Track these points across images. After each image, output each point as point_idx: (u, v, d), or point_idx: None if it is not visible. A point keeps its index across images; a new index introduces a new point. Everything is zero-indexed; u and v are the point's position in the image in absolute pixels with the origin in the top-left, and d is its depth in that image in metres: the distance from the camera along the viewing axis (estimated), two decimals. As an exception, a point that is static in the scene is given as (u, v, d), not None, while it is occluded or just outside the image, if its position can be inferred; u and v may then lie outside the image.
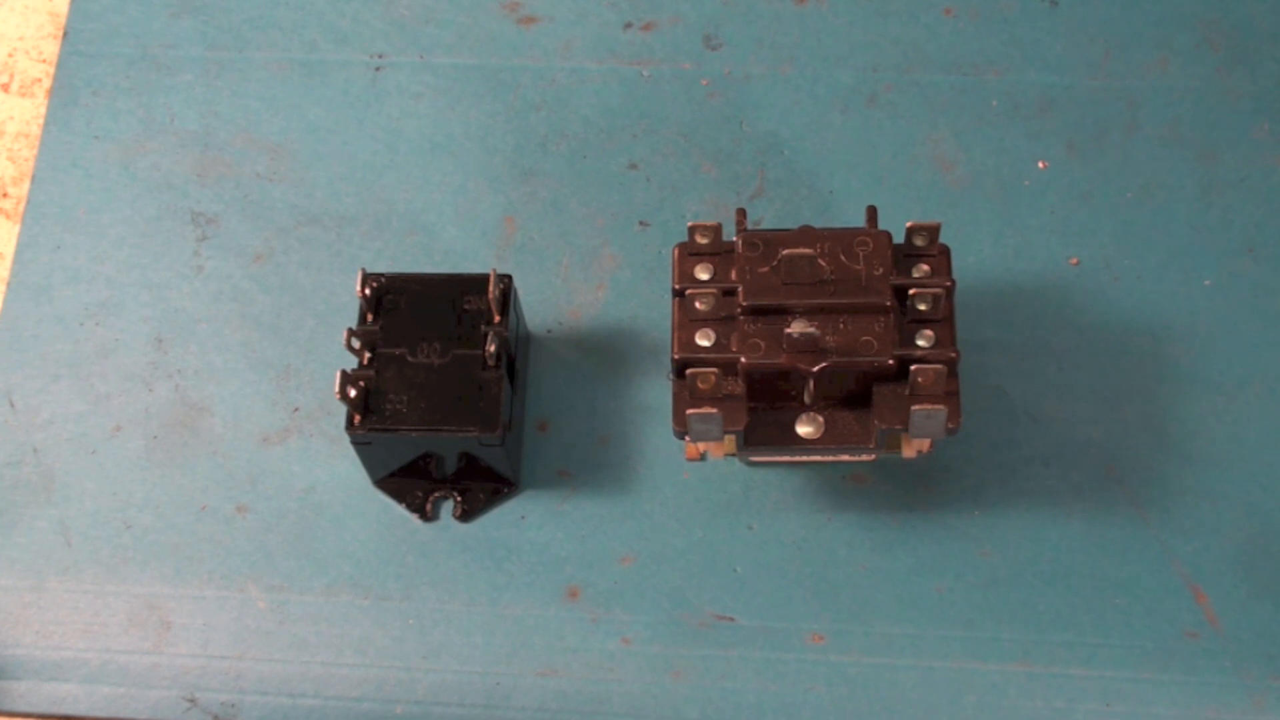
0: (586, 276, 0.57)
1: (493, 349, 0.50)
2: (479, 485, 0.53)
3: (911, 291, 0.49)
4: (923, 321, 0.49)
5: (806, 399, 0.49)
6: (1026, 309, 0.55)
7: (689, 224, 0.50)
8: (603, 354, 0.56)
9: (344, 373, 0.50)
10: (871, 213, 0.50)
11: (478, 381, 0.50)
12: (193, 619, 0.53)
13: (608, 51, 0.61)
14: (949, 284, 0.49)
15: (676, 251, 0.50)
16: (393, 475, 0.54)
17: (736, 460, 0.53)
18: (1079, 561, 0.52)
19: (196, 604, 0.53)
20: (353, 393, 0.50)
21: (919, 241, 0.50)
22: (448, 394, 0.49)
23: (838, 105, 0.59)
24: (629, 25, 0.61)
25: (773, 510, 0.53)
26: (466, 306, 0.52)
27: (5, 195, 0.59)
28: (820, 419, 0.49)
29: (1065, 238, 0.57)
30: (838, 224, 0.51)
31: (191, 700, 0.51)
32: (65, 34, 0.62)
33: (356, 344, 0.51)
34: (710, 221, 0.50)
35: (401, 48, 0.61)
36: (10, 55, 0.62)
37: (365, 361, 0.51)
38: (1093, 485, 0.53)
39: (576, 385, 0.55)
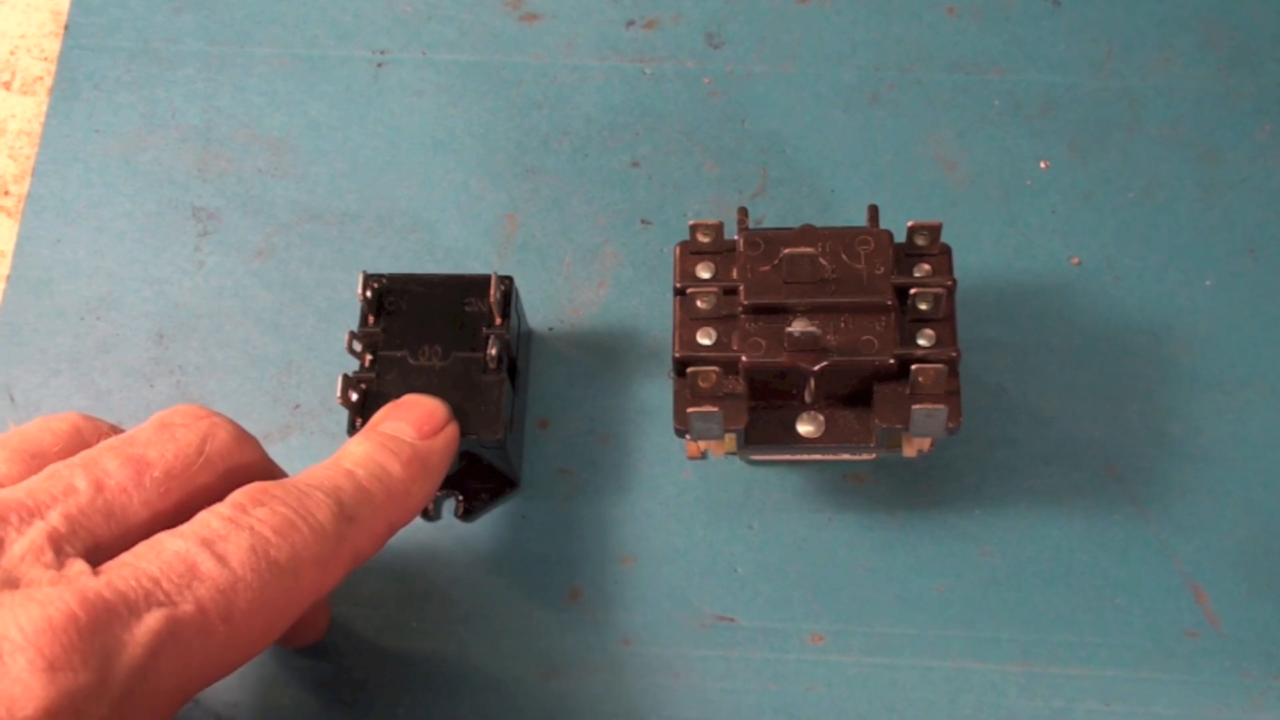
0: (588, 274, 0.57)
1: (494, 352, 0.50)
2: (480, 484, 0.53)
3: (913, 291, 0.49)
4: (924, 321, 0.49)
5: (807, 398, 0.49)
6: (1028, 308, 0.55)
7: (690, 222, 0.50)
8: (604, 352, 0.56)
9: (345, 377, 0.50)
10: (873, 212, 0.50)
11: (479, 385, 0.50)
12: (194, 616, 0.53)
13: (610, 49, 0.61)
14: (950, 283, 0.49)
15: (678, 250, 0.51)
16: (394, 474, 0.54)
17: (737, 459, 0.53)
18: (1079, 560, 0.52)
19: (197, 601, 0.53)
20: (354, 396, 0.50)
21: (920, 241, 0.50)
22: (449, 397, 0.49)
23: (840, 104, 0.59)
24: (631, 23, 0.61)
25: (773, 510, 0.53)
26: (467, 308, 0.51)
27: (6, 193, 0.59)
28: (821, 418, 0.49)
29: (1067, 237, 0.57)
30: (839, 223, 0.50)
31: (194, 700, 0.51)
32: (66, 28, 0.62)
33: (358, 347, 0.50)
34: (712, 220, 0.50)
35: (404, 44, 0.61)
36: (12, 53, 0.62)
37: (367, 364, 0.51)
38: (1093, 484, 0.53)
39: (577, 383, 0.55)
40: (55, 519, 0.41)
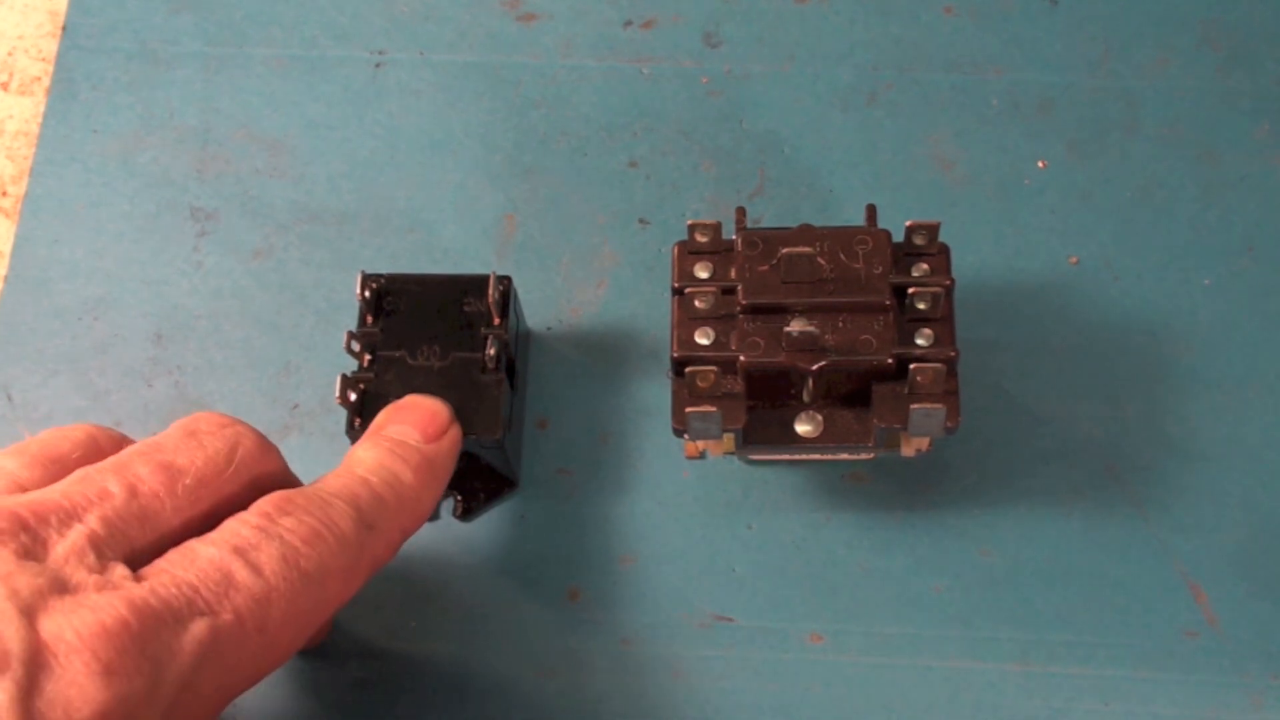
0: (586, 274, 0.57)
1: (492, 352, 0.50)
2: (479, 484, 0.53)
3: (911, 290, 0.49)
4: (922, 320, 0.49)
5: (806, 397, 0.49)
6: (1026, 308, 0.55)
7: (688, 222, 0.50)
8: (602, 352, 0.56)
9: (344, 377, 0.50)
10: (871, 211, 0.50)
11: (478, 385, 0.50)
12: (192, 616, 0.53)
13: (608, 49, 0.61)
14: (948, 283, 0.49)
15: (676, 249, 0.51)
16: (393, 474, 0.54)
17: (735, 459, 0.53)
18: (1078, 560, 0.52)
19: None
20: (353, 396, 0.50)
21: (919, 240, 0.50)
22: (448, 397, 0.49)
23: (838, 104, 0.59)
24: (629, 23, 0.61)
25: (772, 510, 0.53)
26: (466, 308, 0.51)
27: (4, 194, 0.59)
28: (819, 417, 0.49)
29: (1065, 237, 0.57)
30: (837, 222, 0.50)
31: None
32: (64, 28, 0.62)
33: (356, 347, 0.50)
34: (710, 220, 0.50)
35: (401, 44, 0.61)
36: (9, 54, 0.62)
37: (365, 364, 0.51)
38: (1092, 484, 0.53)
39: (576, 383, 0.55)
40: (93, 522, 0.40)
